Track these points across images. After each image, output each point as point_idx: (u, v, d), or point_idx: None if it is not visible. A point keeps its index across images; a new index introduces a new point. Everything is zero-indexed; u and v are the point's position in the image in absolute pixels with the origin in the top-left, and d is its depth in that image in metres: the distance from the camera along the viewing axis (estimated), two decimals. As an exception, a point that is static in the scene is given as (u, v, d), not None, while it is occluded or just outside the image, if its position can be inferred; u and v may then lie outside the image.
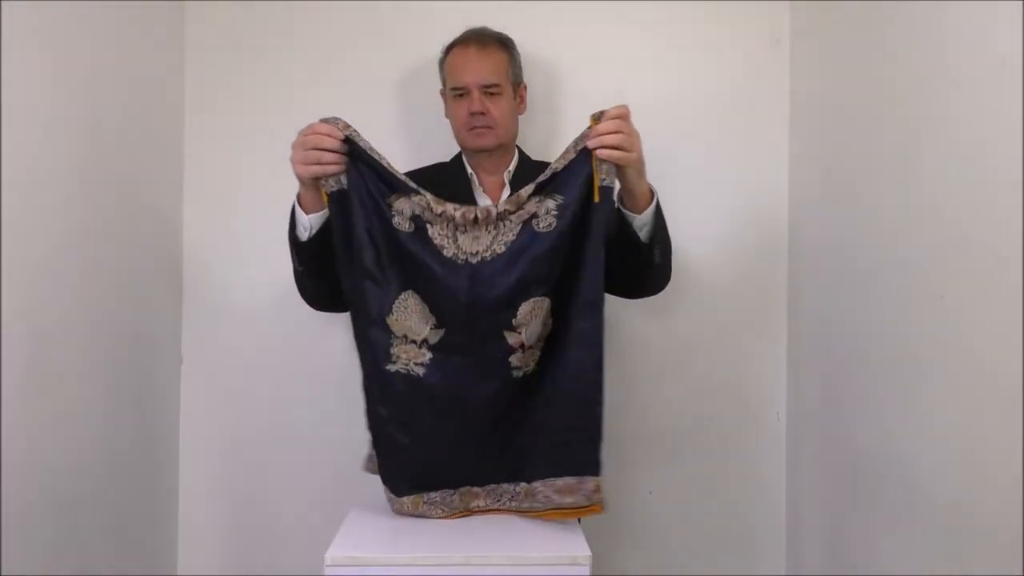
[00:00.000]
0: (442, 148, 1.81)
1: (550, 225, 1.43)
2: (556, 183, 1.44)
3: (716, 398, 2.08)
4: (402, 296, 1.45)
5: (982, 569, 1.24)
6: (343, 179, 1.43)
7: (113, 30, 1.71)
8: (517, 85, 1.75)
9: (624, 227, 1.49)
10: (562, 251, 1.44)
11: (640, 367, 2.08)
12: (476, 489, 1.51)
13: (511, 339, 1.46)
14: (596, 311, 1.44)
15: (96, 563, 1.65)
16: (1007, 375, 1.17)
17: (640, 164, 1.44)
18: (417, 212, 1.44)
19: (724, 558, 2.09)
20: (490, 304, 1.45)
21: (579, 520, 1.49)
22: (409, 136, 2.00)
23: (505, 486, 1.51)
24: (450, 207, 1.44)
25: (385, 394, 1.47)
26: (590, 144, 1.40)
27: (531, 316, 1.45)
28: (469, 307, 1.44)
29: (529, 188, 1.44)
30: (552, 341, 1.48)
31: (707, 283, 2.08)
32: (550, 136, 1.97)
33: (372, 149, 1.44)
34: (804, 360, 1.99)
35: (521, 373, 1.48)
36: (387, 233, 1.45)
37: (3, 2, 1.32)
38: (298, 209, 1.49)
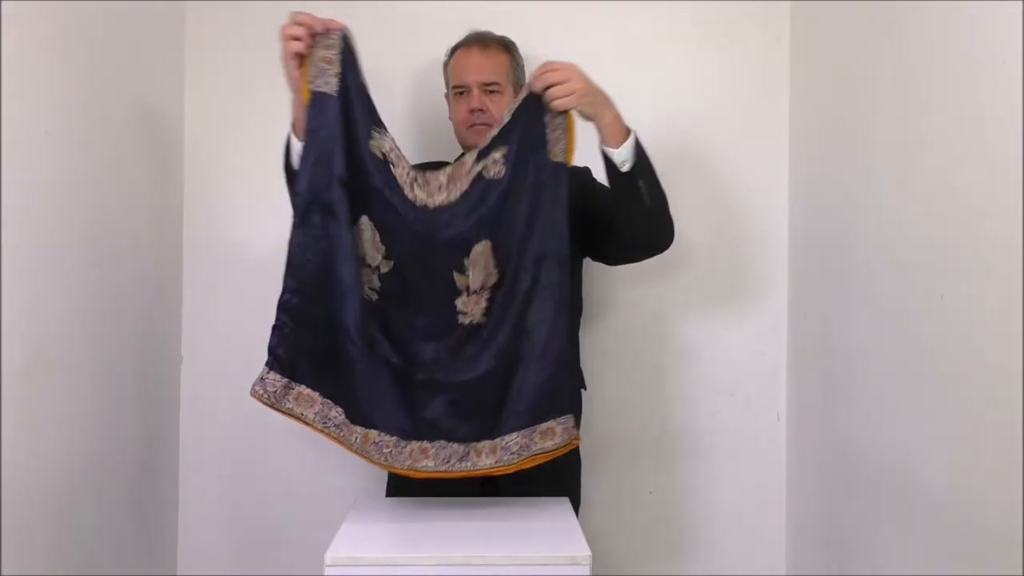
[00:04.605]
0: (446, 150, 1.81)
1: (499, 172, 1.48)
2: (500, 137, 1.48)
3: (716, 398, 2.09)
4: (358, 221, 1.47)
5: (982, 569, 1.24)
6: (333, 82, 1.44)
7: (113, 30, 1.71)
8: (518, 87, 1.74)
9: (607, 165, 1.51)
10: (511, 198, 1.47)
11: (640, 367, 2.08)
12: (426, 445, 1.46)
13: (459, 281, 1.49)
14: (553, 265, 1.45)
15: (96, 563, 1.65)
16: (1007, 375, 1.17)
17: (589, 95, 1.46)
18: (385, 149, 1.48)
19: (724, 558, 2.09)
20: (443, 243, 1.48)
21: (578, 520, 1.48)
22: (414, 137, 1.99)
23: (455, 447, 1.45)
24: (406, 174, 1.49)
25: (360, 307, 1.44)
26: (535, 87, 1.45)
27: (479, 258, 1.48)
28: (421, 245, 1.48)
29: (473, 154, 1.50)
30: (508, 296, 1.47)
31: (707, 282, 2.08)
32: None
33: (365, 80, 1.47)
34: (804, 360, 1.99)
35: (467, 320, 1.48)
36: (360, 152, 1.47)
37: (3, 2, 1.32)
38: (292, 137, 1.51)
